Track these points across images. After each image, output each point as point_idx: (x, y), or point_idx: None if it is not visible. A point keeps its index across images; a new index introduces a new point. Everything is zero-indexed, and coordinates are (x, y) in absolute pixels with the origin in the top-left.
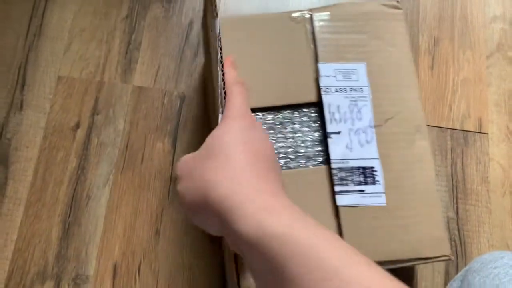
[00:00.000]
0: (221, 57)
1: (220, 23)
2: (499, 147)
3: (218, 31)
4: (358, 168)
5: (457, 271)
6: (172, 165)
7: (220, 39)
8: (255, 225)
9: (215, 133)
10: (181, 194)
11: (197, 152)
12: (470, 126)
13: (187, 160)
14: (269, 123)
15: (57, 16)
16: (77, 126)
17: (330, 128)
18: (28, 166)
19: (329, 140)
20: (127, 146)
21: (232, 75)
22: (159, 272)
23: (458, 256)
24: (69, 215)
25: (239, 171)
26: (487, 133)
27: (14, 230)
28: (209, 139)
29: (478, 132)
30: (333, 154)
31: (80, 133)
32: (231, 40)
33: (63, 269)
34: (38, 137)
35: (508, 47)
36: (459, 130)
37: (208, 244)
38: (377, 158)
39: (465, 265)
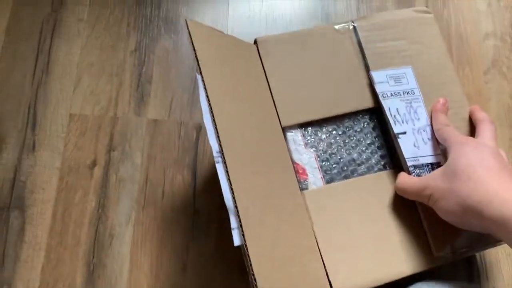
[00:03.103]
0: (211, 111)
1: (259, 45)
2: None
3: (202, 86)
4: (427, 165)
5: None
6: (194, 198)
7: (207, 95)
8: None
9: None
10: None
11: (442, 173)
12: None
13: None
14: (333, 134)
15: (64, 52)
16: (94, 164)
17: (396, 129)
18: (46, 209)
19: (399, 140)
20: (146, 181)
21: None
22: None
23: None
24: (93, 256)
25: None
26: None
27: (36, 277)
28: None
29: None
30: (406, 153)
31: (97, 171)
32: (276, 60)
33: None
34: (54, 177)
35: (502, 63)
36: None
37: (236, 274)
38: (440, 154)
39: None
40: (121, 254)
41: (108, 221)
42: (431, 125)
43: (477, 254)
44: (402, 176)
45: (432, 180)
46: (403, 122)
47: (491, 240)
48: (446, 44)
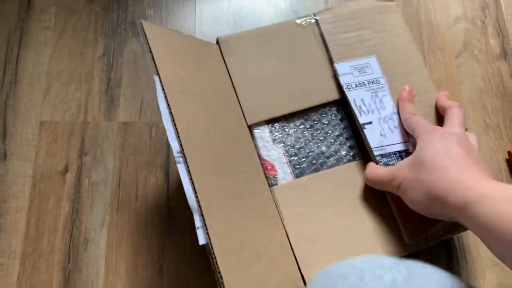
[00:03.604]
0: (170, 111)
1: (221, 44)
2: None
3: (160, 87)
4: (395, 153)
5: None
6: (168, 198)
7: (165, 96)
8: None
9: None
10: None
11: (410, 163)
12: None
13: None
14: (300, 128)
15: (32, 61)
16: (66, 169)
17: (362, 119)
18: (20, 217)
19: (365, 131)
20: (119, 184)
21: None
22: None
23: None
24: (68, 262)
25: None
26: (466, 129)
27: (12, 286)
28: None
29: None
30: (373, 143)
31: (70, 177)
32: (238, 58)
33: None
34: (27, 186)
35: (473, 46)
36: None
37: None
38: (408, 141)
39: None
40: (96, 259)
41: (82, 225)
42: (398, 113)
43: (455, 238)
44: (371, 167)
45: (400, 170)
46: (368, 112)
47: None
48: (416, 31)
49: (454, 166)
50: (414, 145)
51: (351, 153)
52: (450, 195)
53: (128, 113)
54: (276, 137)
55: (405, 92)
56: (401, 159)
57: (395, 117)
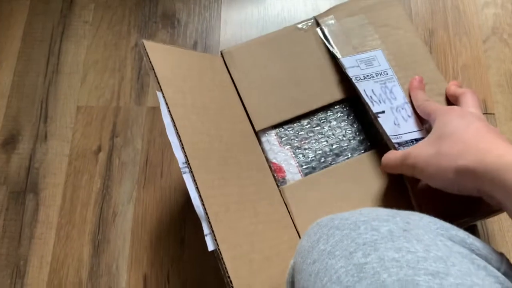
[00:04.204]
0: (174, 124)
1: (225, 56)
2: (507, 125)
3: (163, 102)
4: (411, 141)
5: None
6: None
7: (169, 110)
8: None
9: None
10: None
11: (428, 140)
12: None
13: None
14: (306, 128)
15: (72, 52)
16: (99, 149)
17: (375, 109)
18: (57, 192)
19: (380, 119)
20: (146, 163)
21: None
22: (188, 280)
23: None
24: (98, 233)
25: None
26: (494, 113)
27: (48, 252)
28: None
29: (485, 114)
30: (389, 131)
31: (102, 156)
32: (242, 68)
33: (96, 285)
34: (64, 163)
35: (503, 30)
36: None
37: None
38: (422, 129)
39: None
40: (123, 231)
41: (111, 200)
42: (410, 102)
43: (479, 224)
44: (386, 153)
45: (416, 148)
46: (380, 102)
47: (485, 210)
48: (441, 15)
49: (479, 137)
50: (429, 132)
51: (361, 147)
52: (479, 165)
53: (156, 99)
54: (283, 139)
55: (416, 82)
56: None
57: (407, 106)
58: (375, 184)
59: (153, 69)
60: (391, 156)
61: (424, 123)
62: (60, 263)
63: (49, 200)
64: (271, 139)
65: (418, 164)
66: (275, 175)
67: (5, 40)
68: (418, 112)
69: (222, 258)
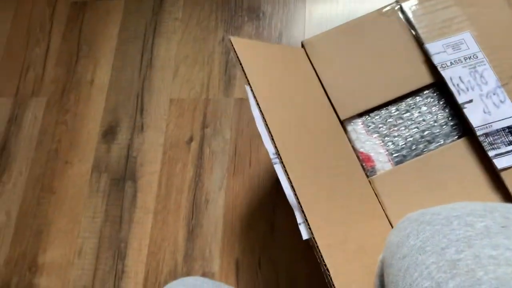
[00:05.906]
0: (263, 117)
1: (306, 46)
2: None
3: (251, 96)
4: (503, 129)
5: None
6: None
7: (257, 103)
8: None
9: None
10: None
11: None
12: None
13: None
14: (395, 115)
15: (164, 48)
16: (191, 139)
17: (460, 99)
18: (153, 179)
19: (465, 110)
20: (235, 153)
21: None
22: (279, 264)
23: None
24: (192, 218)
25: None
26: None
27: (146, 236)
28: None
29: None
30: (474, 122)
31: (194, 146)
32: (324, 57)
33: (191, 268)
34: (159, 152)
35: None
36: None
37: None
38: None
39: None
40: (215, 216)
41: (204, 187)
42: (503, 86)
43: None
44: None
45: None
46: (468, 90)
47: None
48: None
49: None
50: None
51: (455, 133)
52: None
53: (243, 90)
54: (370, 127)
55: None
56: (511, 136)
57: (500, 91)
58: (472, 172)
59: (241, 64)
60: None
61: None
62: (157, 246)
63: (146, 187)
64: (357, 128)
65: None
66: (364, 164)
67: (103, 39)
68: None
69: (318, 247)
